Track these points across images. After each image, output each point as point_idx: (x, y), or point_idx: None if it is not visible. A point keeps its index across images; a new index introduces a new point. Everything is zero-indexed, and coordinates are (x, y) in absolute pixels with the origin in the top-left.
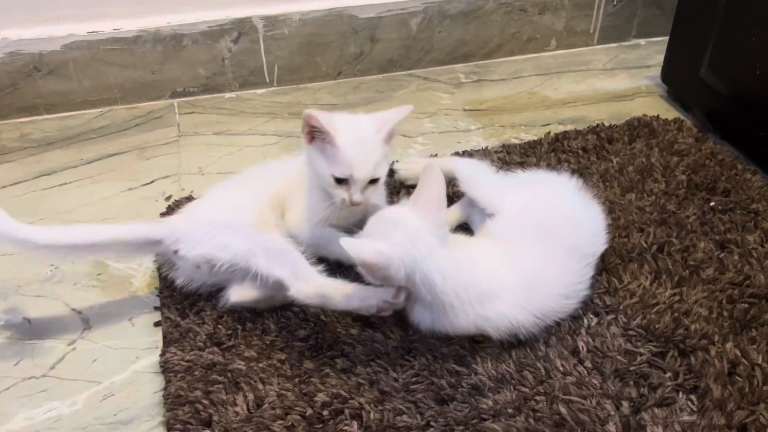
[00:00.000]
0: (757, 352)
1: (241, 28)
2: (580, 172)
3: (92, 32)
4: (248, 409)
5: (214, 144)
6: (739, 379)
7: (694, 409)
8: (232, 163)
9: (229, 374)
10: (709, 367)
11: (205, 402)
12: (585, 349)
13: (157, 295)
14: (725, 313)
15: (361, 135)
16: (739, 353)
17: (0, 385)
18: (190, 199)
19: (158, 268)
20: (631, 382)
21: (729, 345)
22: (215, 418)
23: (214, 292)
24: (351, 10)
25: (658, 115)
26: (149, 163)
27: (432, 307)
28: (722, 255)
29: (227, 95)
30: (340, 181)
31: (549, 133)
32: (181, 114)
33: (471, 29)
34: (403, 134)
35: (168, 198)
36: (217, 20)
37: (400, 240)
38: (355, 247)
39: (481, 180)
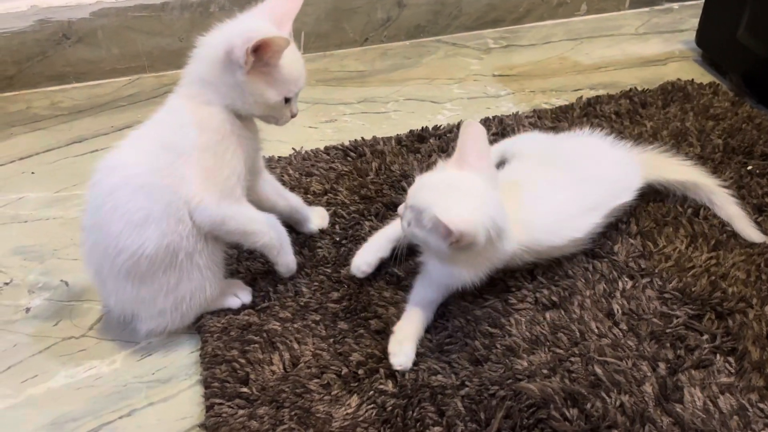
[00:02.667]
0: None
1: None
2: (614, 137)
3: None
4: (284, 368)
5: None
6: None
7: (732, 371)
8: (264, 131)
9: (264, 334)
10: (747, 329)
11: (242, 361)
12: (620, 312)
13: None
14: (763, 277)
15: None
16: None
17: (41, 344)
18: None
19: None
20: (668, 344)
21: None
22: (252, 376)
23: (246, 255)
24: None
25: (692, 79)
26: None
27: (479, 261)
28: (760, 219)
29: None
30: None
31: (581, 97)
32: None
33: None
34: (431, 100)
35: None
36: None
37: (477, 204)
38: (453, 219)
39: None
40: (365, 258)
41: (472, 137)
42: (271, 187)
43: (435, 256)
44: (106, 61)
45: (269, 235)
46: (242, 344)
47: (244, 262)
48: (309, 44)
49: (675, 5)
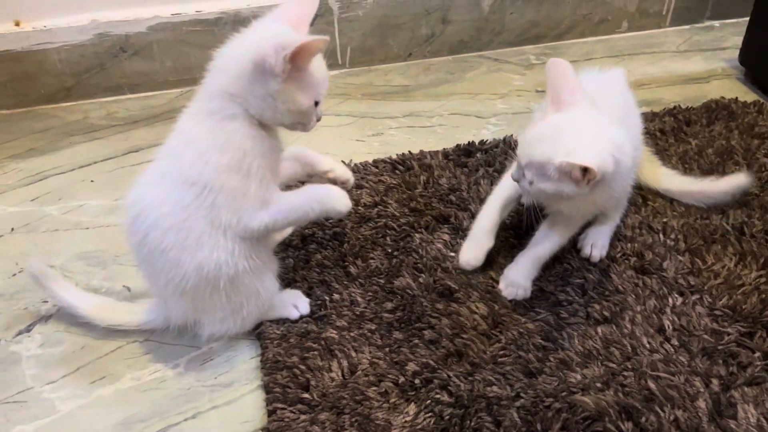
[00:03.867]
0: None
1: (318, 10)
2: (659, 154)
3: (176, 14)
4: (343, 375)
5: None
6: None
7: None
8: (312, 143)
9: (322, 342)
10: None
11: (302, 367)
12: (671, 328)
13: None
14: None
15: None
16: None
17: (107, 347)
18: None
19: None
20: (720, 361)
21: None
22: (312, 382)
23: (302, 265)
24: None
25: (736, 98)
26: None
27: (617, 182)
28: None
29: None
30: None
31: None
32: None
33: (543, 10)
34: (476, 115)
35: None
36: None
37: (594, 136)
38: (584, 158)
39: None
40: (474, 253)
41: (559, 74)
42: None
43: (569, 202)
44: (160, 74)
45: (312, 207)
46: (302, 351)
47: (300, 271)
48: (354, 59)
49: (716, 23)
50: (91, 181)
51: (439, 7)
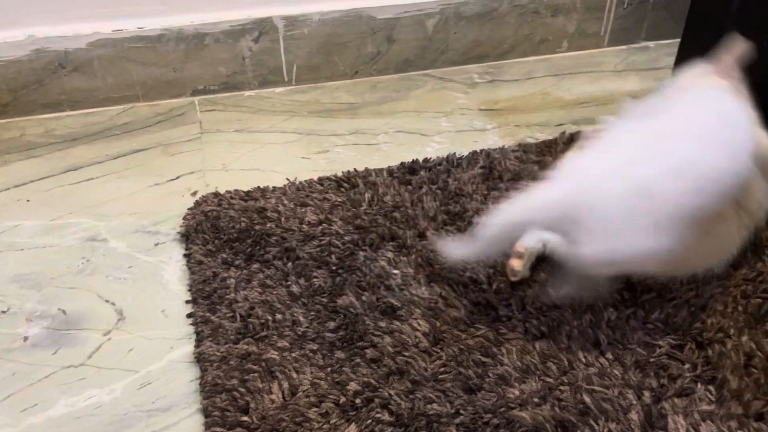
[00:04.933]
0: None
1: (262, 27)
2: None
3: (117, 30)
4: (283, 397)
5: (236, 141)
6: (754, 370)
7: (713, 399)
8: (255, 160)
9: (263, 363)
10: (726, 359)
11: (242, 390)
12: (606, 342)
13: (188, 290)
14: (740, 308)
15: None
16: (754, 346)
17: (40, 373)
18: (216, 195)
19: (187, 262)
20: (652, 373)
21: (744, 338)
22: (252, 405)
23: (244, 285)
24: (369, 11)
25: None
26: (173, 159)
27: None
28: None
29: (247, 93)
30: None
31: (564, 132)
32: (202, 111)
33: (485, 30)
34: (420, 133)
35: (194, 193)
36: (238, 20)
37: None
38: None
39: None
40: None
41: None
42: None
43: None
44: (101, 90)
45: None
46: (242, 373)
47: (241, 291)
48: (300, 76)
49: (651, 44)
50: (27, 200)
51: (384, 27)
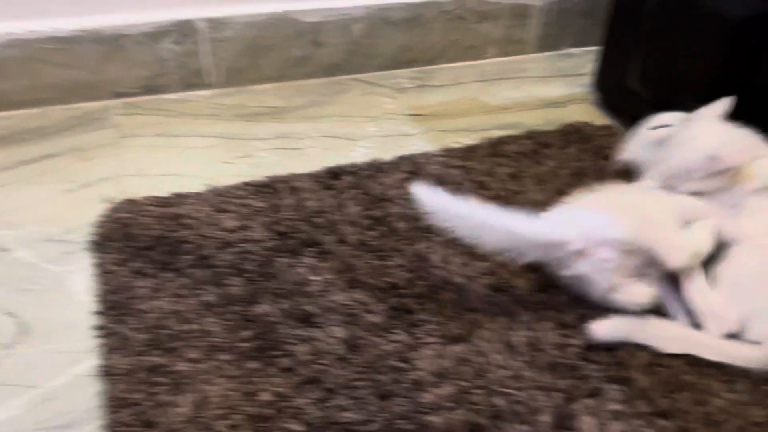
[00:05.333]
0: None
1: (184, 29)
2: (517, 176)
3: (31, 31)
4: (192, 410)
5: (155, 146)
6: (662, 369)
7: (622, 398)
8: (174, 165)
9: (172, 376)
10: (634, 359)
11: (148, 404)
12: (521, 344)
13: (96, 301)
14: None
15: None
16: None
17: None
18: (131, 201)
19: (97, 272)
20: (563, 374)
21: None
22: (158, 419)
23: (154, 295)
24: (294, 14)
25: (590, 121)
26: (88, 165)
27: None
28: None
29: (169, 97)
30: None
31: (487, 137)
32: (121, 115)
33: (413, 36)
34: (347, 137)
35: (108, 200)
36: (158, 21)
37: None
38: None
39: None
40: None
41: None
42: None
43: None
44: (13, 93)
45: None
46: (149, 386)
47: (151, 301)
48: (225, 79)
49: (577, 50)
50: None
51: (311, 30)
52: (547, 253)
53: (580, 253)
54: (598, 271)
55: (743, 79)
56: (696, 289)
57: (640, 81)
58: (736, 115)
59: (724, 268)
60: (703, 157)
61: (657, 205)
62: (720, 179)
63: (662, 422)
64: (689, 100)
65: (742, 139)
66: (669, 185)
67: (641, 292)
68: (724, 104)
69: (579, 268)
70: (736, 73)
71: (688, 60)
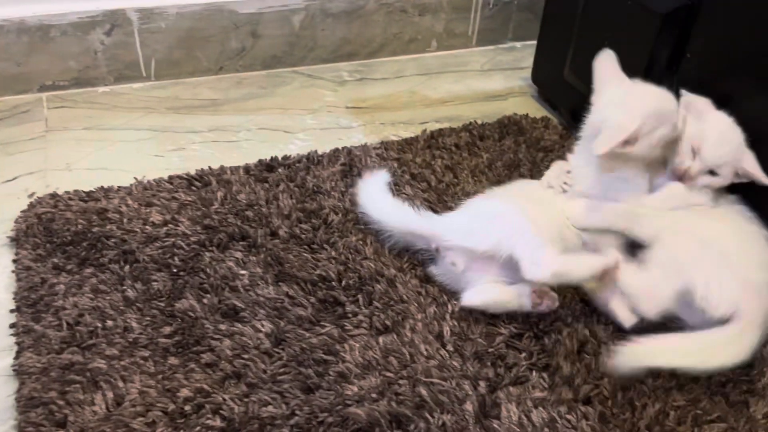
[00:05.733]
0: (604, 332)
1: (114, 20)
2: (453, 168)
3: None
4: (107, 408)
5: (84, 139)
6: (587, 356)
7: (546, 385)
8: (103, 159)
9: (88, 374)
10: (561, 346)
11: (60, 403)
12: (449, 334)
13: (13, 299)
14: (577, 297)
15: None
16: (588, 333)
17: None
18: (53, 196)
19: (15, 268)
20: (489, 363)
21: (580, 326)
22: (71, 418)
23: (74, 291)
24: (231, 5)
25: (527, 114)
26: (12, 159)
27: None
28: None
29: (101, 89)
30: None
31: (425, 130)
32: (49, 108)
33: (354, 28)
34: (284, 130)
35: (31, 195)
36: (87, 11)
37: None
38: None
39: None
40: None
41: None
42: None
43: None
44: None
45: None
46: (62, 385)
47: (70, 297)
48: (160, 71)
49: (517, 44)
50: None
51: (248, 21)
52: (424, 243)
53: (437, 251)
54: (448, 270)
55: (669, 68)
56: (626, 275)
57: (575, 73)
58: None
59: (656, 251)
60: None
61: (546, 211)
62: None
63: (584, 408)
64: None
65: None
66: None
67: (485, 290)
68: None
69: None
70: (663, 63)
71: (619, 52)
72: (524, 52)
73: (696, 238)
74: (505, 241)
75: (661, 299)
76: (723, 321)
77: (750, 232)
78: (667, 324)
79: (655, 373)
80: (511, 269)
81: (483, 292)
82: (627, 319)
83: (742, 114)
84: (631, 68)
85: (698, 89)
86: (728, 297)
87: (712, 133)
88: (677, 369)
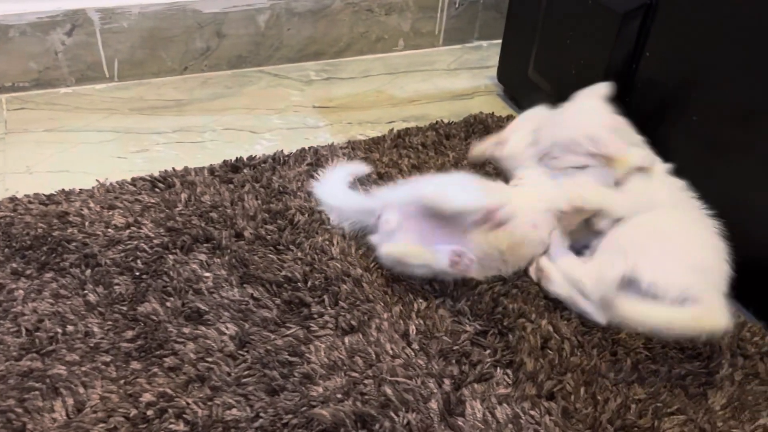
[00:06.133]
0: (567, 328)
1: (75, 20)
2: (419, 167)
3: None
4: (67, 415)
5: (45, 141)
6: (550, 352)
7: (510, 382)
8: (64, 161)
9: (47, 380)
10: (524, 342)
11: (19, 410)
12: (415, 332)
13: None
14: (541, 294)
15: None
16: (551, 329)
17: None
18: (12, 200)
19: None
20: (454, 361)
21: (543, 321)
22: (30, 426)
23: (33, 296)
24: (194, 5)
25: (493, 113)
26: None
27: None
28: None
29: (63, 90)
30: None
31: (392, 129)
32: (9, 110)
33: (320, 27)
34: (250, 130)
35: None
36: (47, 11)
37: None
38: None
39: None
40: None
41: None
42: None
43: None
44: None
45: None
46: (21, 392)
47: (29, 303)
48: (123, 72)
49: (484, 43)
50: None
51: (213, 21)
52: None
53: (378, 218)
54: (384, 234)
55: (629, 66)
56: (568, 263)
57: (539, 72)
58: (622, 99)
59: (604, 240)
60: (584, 136)
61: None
62: (594, 159)
63: (548, 404)
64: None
65: (619, 126)
66: (546, 160)
67: (403, 242)
68: (604, 88)
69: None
70: (623, 62)
71: (580, 51)
72: (490, 51)
73: (643, 226)
74: (439, 188)
75: (607, 282)
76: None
77: (697, 220)
78: None
79: (618, 367)
80: (442, 234)
81: (401, 243)
82: (599, 314)
83: (701, 110)
84: (593, 67)
85: (657, 87)
86: (676, 281)
87: (554, 119)
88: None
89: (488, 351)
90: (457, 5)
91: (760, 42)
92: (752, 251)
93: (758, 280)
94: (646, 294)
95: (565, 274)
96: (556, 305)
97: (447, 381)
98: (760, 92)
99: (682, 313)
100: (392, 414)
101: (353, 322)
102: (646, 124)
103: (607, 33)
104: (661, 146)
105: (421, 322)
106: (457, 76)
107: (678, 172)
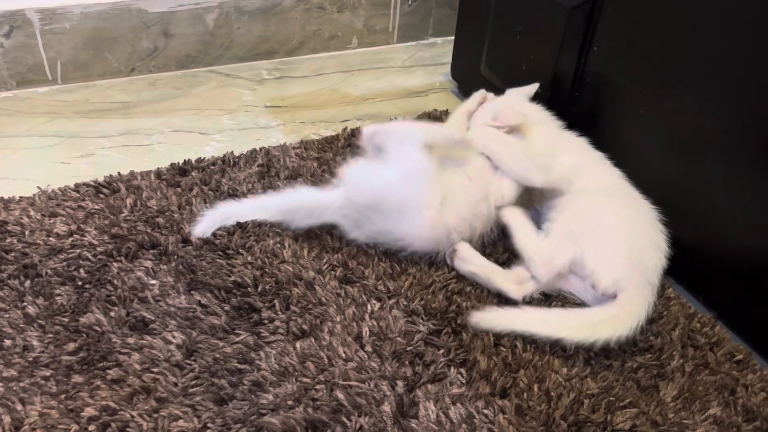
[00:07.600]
0: None
1: (13, 21)
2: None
3: None
4: None
5: None
6: (503, 349)
7: (463, 381)
8: (4, 168)
9: None
10: (478, 340)
11: None
12: (368, 334)
13: None
14: (494, 291)
15: None
16: None
17: None
18: None
19: None
20: (407, 362)
21: None
22: None
23: None
24: (139, 4)
25: (447, 110)
26: None
27: None
28: None
29: (2, 94)
30: None
31: (346, 128)
32: None
33: (271, 26)
34: (199, 132)
35: None
36: None
37: None
38: None
39: None
40: None
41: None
42: None
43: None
44: None
45: None
46: None
47: None
48: (67, 74)
49: (438, 40)
50: None
51: (159, 20)
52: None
53: None
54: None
55: (578, 61)
56: (523, 237)
57: (491, 68)
58: (572, 94)
59: (556, 223)
60: (491, 114)
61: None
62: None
63: (501, 402)
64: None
65: (526, 109)
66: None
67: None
68: (532, 88)
69: None
70: (571, 56)
71: (530, 46)
72: (445, 48)
73: (594, 214)
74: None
75: (555, 264)
76: (609, 297)
77: (644, 214)
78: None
79: (570, 363)
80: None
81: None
82: (514, 291)
83: (648, 104)
84: (542, 62)
85: (605, 81)
86: (614, 274)
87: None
88: (558, 339)
89: (442, 350)
90: (410, 2)
91: (705, 35)
92: (702, 239)
93: (709, 267)
94: (586, 279)
95: (519, 248)
96: (509, 302)
97: (400, 383)
98: (707, 84)
99: (600, 313)
100: (344, 419)
101: (305, 327)
102: (596, 118)
103: (555, 28)
104: (610, 140)
105: (375, 323)
106: (412, 74)
107: (626, 165)
